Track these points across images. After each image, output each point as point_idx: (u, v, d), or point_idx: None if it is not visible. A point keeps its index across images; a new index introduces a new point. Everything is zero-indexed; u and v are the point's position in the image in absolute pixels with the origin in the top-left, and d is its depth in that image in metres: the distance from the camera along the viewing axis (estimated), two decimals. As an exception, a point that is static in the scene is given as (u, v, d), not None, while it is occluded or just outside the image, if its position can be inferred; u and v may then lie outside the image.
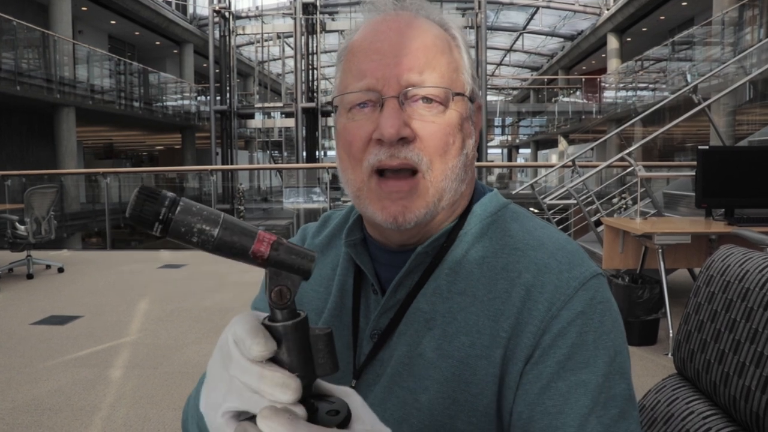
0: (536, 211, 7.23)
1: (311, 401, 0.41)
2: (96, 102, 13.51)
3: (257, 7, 16.67)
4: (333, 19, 16.44)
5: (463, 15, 15.90)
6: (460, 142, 0.62)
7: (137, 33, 17.46)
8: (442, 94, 0.60)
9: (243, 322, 0.40)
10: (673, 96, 5.74)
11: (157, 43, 18.51)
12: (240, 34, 16.32)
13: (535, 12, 20.31)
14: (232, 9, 15.63)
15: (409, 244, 0.64)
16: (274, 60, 19.59)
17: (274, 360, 0.40)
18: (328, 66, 21.35)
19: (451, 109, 0.60)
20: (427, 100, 0.59)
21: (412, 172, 0.60)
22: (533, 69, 27.45)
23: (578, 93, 21.90)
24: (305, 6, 14.81)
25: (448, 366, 0.58)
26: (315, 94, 15.22)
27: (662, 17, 15.60)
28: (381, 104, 0.59)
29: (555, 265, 0.59)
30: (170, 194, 0.41)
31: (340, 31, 16.17)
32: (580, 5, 18.90)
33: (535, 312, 0.57)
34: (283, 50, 17.27)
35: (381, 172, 0.60)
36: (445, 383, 0.58)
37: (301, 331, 0.40)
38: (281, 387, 0.38)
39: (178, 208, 0.40)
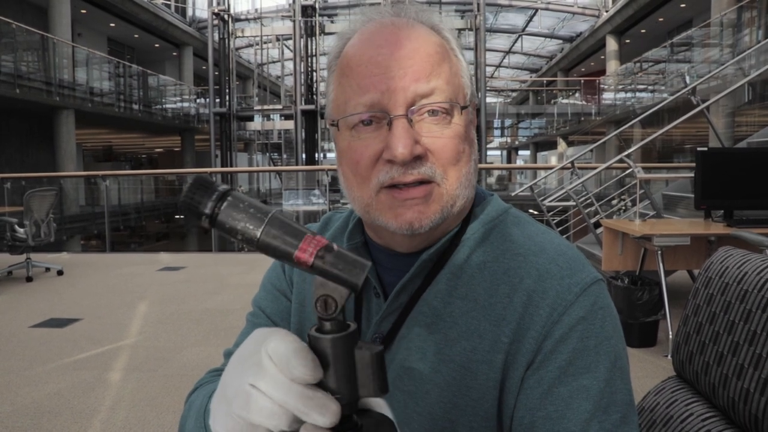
0: (535, 213, 7.23)
1: (355, 419, 0.39)
2: (95, 104, 13.50)
3: (256, 10, 16.70)
4: (332, 22, 16.45)
5: (462, 17, 15.95)
6: (469, 149, 0.61)
7: (136, 36, 17.47)
8: (449, 106, 0.59)
9: (285, 340, 0.38)
10: (672, 97, 5.75)
11: (156, 45, 18.52)
12: (239, 37, 16.35)
13: (534, 14, 20.33)
14: (231, 11, 15.67)
15: (414, 248, 0.64)
16: (274, 62, 19.62)
17: None
18: (327, 68, 21.31)
19: (457, 119, 0.60)
20: (433, 112, 0.58)
21: (426, 182, 0.59)
22: (532, 71, 27.46)
23: (577, 95, 21.92)
24: (304, 8, 14.84)
25: (449, 370, 0.58)
26: (314, 97, 15.23)
27: (661, 19, 15.61)
28: (388, 122, 0.57)
29: (556, 271, 0.59)
30: (222, 187, 0.38)
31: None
32: (578, 7, 18.93)
33: (536, 317, 0.57)
34: (282, 53, 17.29)
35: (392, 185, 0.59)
36: (446, 388, 0.58)
37: (347, 347, 0.38)
38: (320, 408, 0.37)
39: (225, 204, 0.37)
